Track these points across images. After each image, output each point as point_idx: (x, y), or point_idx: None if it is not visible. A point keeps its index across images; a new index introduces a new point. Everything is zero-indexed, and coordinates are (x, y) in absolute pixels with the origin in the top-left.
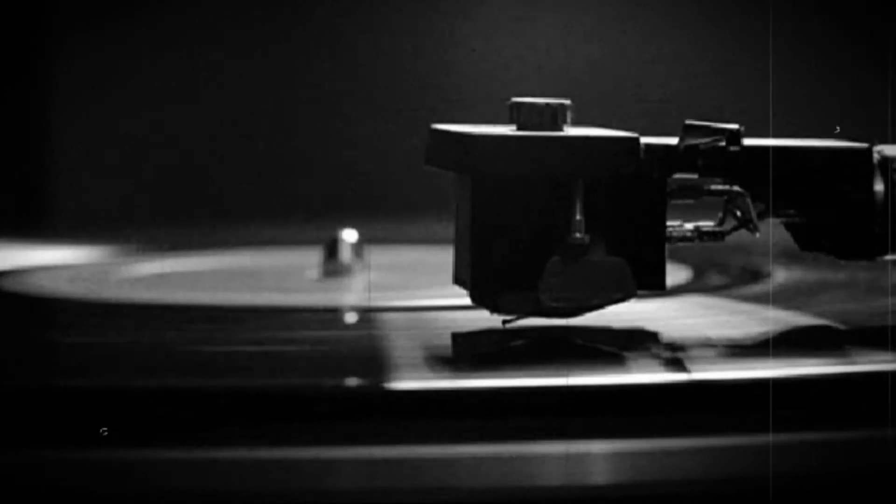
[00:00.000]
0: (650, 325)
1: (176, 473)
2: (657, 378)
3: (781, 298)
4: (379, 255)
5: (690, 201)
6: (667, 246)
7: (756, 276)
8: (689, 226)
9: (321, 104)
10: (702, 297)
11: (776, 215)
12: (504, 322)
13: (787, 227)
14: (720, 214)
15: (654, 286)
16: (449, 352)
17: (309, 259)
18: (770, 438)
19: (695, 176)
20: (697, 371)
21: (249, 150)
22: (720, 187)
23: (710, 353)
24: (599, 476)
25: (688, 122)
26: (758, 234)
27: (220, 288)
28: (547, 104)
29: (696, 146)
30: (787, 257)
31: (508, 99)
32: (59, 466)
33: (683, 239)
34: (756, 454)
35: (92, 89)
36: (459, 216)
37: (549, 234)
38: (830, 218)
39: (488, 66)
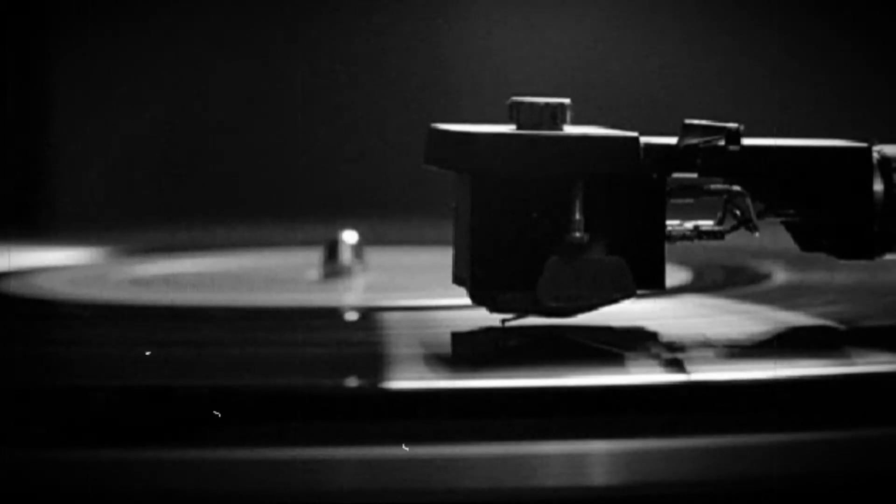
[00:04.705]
0: (649, 325)
1: (175, 474)
2: (656, 378)
3: (781, 298)
4: (379, 256)
5: (690, 200)
6: (666, 245)
7: (755, 276)
8: (689, 225)
9: (321, 104)
10: (701, 296)
11: (776, 215)
12: (503, 321)
13: (787, 226)
14: (719, 214)
15: (654, 285)
16: (448, 351)
17: (309, 259)
18: (769, 439)
19: (694, 175)
20: (696, 371)
21: (249, 150)
22: (719, 187)
23: (710, 352)
24: (599, 476)
25: (687, 121)
26: (757, 234)
27: (220, 288)
28: (546, 103)
29: (695, 145)
30: (786, 257)
31: (508, 98)
32: (59, 466)
33: (683, 238)
34: (755, 454)
35: (92, 89)
36: (459, 215)
37: (548, 234)
38: (830, 218)
39: (488, 65)
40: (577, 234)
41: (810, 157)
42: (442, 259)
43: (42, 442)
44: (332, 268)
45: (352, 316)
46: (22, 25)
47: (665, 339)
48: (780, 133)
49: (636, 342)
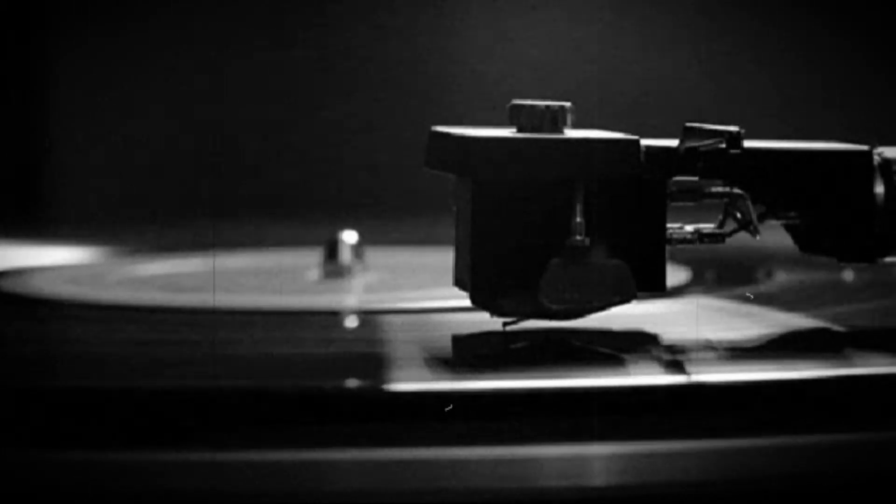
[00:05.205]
0: (650, 327)
1: (174, 475)
2: (657, 380)
3: (782, 300)
4: (379, 256)
5: (691, 203)
6: (667, 248)
7: (756, 278)
8: (690, 228)
9: (321, 104)
10: (702, 298)
11: (777, 217)
12: (504, 324)
13: (788, 228)
14: (720, 216)
15: (655, 288)
16: (449, 354)
17: (309, 260)
18: (769, 441)
19: (695, 178)
20: (697, 373)
21: (249, 149)
22: (720, 189)
23: (710, 355)
24: (599, 478)
25: (688, 124)
26: (758, 237)
27: (219, 289)
28: (547, 106)
29: (696, 148)
30: (787, 259)
31: (509, 101)
32: (59, 467)
33: (684, 241)
34: (755, 456)
35: (91, 89)
36: (460, 218)
37: (549, 237)
38: (831, 220)
39: (489, 67)
40: (579, 238)
41: (811, 159)
42: (442, 260)
43: (39, 443)
44: (332, 268)
45: (352, 317)
46: (22, 25)
47: (666, 342)
48: (780, 136)
49: (637, 345)
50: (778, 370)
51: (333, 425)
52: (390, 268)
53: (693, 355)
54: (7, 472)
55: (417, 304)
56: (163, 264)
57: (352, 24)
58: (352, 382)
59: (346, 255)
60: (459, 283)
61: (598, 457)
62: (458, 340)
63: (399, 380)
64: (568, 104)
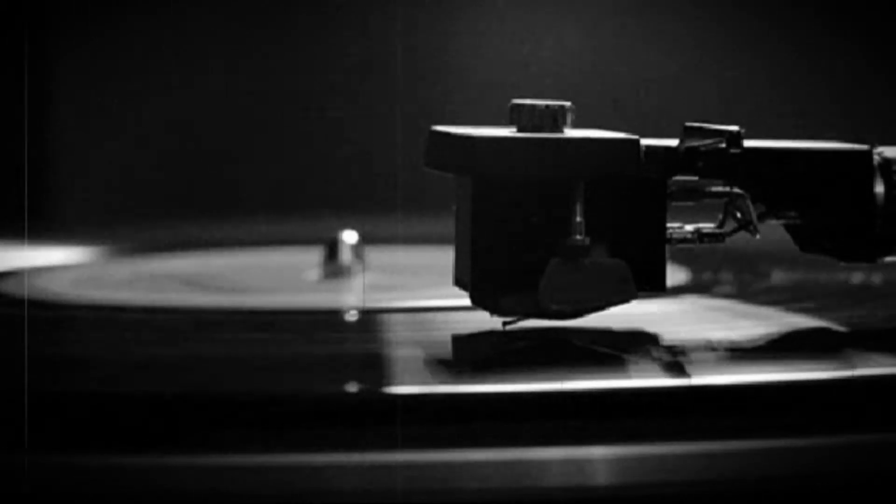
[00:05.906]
0: (650, 327)
1: (172, 478)
2: (657, 381)
3: (782, 300)
4: (379, 256)
5: (691, 203)
6: (667, 248)
7: (756, 278)
8: (690, 227)
9: (321, 103)
10: (702, 298)
11: (776, 217)
12: (504, 324)
13: (788, 228)
14: (720, 216)
15: (655, 288)
16: (449, 354)
17: (309, 260)
18: (770, 443)
19: (695, 178)
20: (697, 374)
21: (249, 149)
22: (720, 189)
23: (711, 355)
24: (600, 480)
25: (688, 123)
26: (758, 236)
27: (219, 289)
28: (547, 106)
29: (696, 148)
30: (787, 259)
31: (509, 100)
32: (58, 469)
33: (684, 241)
34: (755, 457)
35: (91, 88)
36: (460, 217)
37: (549, 236)
38: (831, 219)
39: (489, 67)
40: (578, 237)
41: (811, 159)
42: (442, 259)
43: (38, 446)
44: (332, 267)
45: (351, 317)
46: (22, 25)
47: (666, 342)
48: (780, 136)
49: (637, 345)
50: (778, 371)
51: (333, 427)
52: (390, 267)
53: (693, 356)
54: (6, 473)
55: (417, 304)
56: (160, 264)
57: (352, 24)
58: (351, 384)
59: (346, 255)
60: (459, 282)
61: (598, 458)
62: (458, 340)
63: (399, 381)
64: (568, 104)
